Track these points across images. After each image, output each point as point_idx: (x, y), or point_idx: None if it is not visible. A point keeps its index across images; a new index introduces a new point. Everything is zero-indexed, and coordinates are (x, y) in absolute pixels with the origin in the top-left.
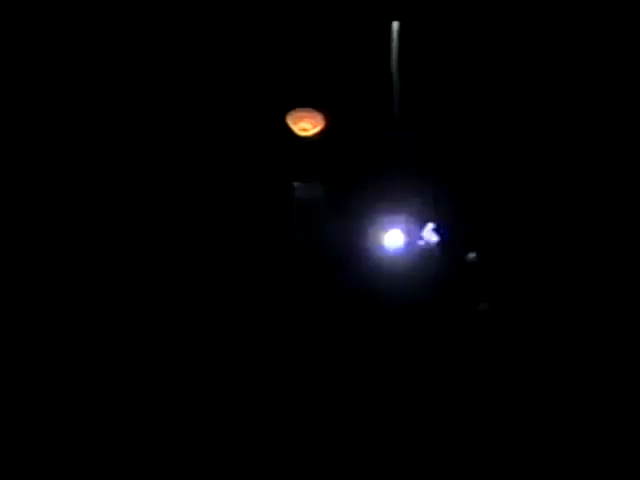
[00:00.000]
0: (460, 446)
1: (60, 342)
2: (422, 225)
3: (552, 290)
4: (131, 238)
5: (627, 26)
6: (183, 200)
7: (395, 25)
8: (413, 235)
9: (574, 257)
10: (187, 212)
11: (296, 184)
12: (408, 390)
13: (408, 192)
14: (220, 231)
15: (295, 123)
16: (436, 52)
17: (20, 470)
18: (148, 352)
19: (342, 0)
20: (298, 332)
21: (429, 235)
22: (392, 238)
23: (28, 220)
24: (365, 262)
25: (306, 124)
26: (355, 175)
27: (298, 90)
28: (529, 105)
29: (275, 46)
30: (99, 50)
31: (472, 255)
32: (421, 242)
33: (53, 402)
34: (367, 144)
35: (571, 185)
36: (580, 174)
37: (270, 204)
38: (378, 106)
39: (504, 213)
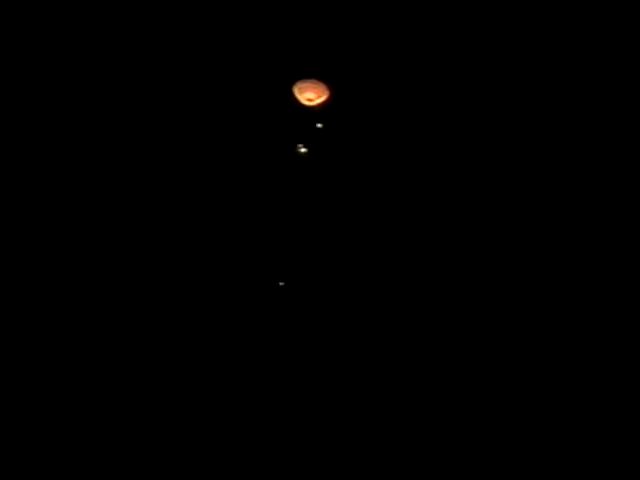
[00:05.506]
0: None
1: (59, 341)
2: None
3: None
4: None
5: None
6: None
7: None
8: None
9: None
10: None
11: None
12: None
13: None
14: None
15: (301, 93)
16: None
17: (20, 470)
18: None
19: None
20: None
21: None
22: None
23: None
24: None
25: (311, 94)
26: None
27: (306, 61)
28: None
29: (281, 19)
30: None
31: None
32: None
33: (53, 402)
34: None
35: None
36: None
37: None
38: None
39: None
